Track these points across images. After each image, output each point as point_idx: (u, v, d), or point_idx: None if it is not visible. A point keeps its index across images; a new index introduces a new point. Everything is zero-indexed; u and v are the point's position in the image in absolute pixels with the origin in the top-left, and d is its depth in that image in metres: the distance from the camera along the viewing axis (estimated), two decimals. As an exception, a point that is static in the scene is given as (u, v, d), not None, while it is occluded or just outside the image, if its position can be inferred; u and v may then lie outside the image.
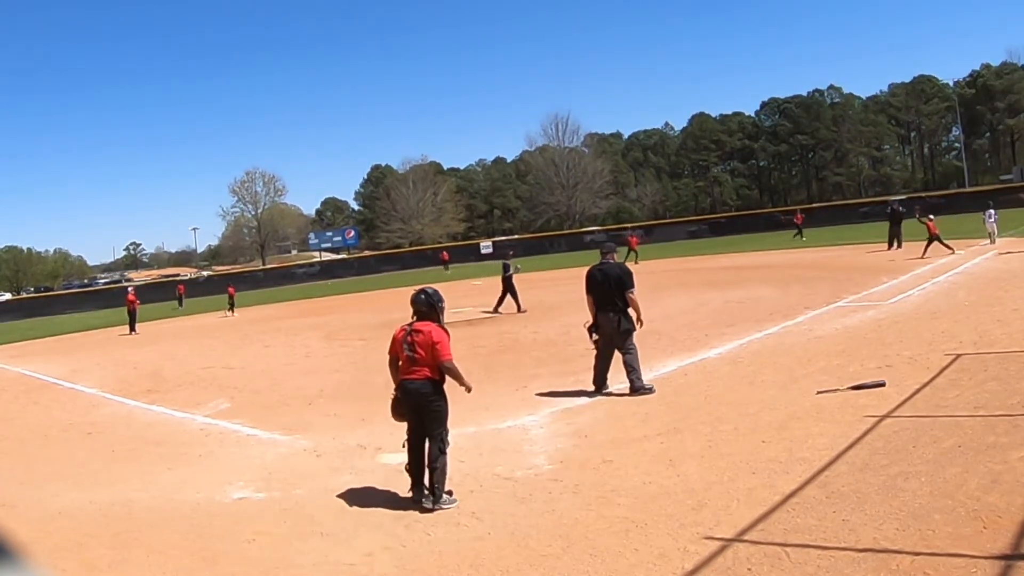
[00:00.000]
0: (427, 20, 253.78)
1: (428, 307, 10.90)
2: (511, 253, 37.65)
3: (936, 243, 39.04)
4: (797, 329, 20.97)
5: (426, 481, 10.28)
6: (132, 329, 46.45)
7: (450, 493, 10.25)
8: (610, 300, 15.98)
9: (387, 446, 13.18)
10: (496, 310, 34.00)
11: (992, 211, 42.84)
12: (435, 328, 10.72)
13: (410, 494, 10.40)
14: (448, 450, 10.50)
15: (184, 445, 15.30)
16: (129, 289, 51.51)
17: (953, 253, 37.56)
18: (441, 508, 10.01)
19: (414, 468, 10.47)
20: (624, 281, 15.98)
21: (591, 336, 16.35)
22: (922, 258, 37.04)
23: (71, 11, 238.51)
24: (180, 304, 70.82)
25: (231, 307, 55.91)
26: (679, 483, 9.84)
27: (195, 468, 13.43)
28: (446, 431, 10.55)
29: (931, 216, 41.53)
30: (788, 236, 72.69)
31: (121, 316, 53.81)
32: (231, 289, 58.70)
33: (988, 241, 41.19)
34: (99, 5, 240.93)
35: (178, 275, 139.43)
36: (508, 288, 34.19)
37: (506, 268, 34.50)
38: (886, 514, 8.05)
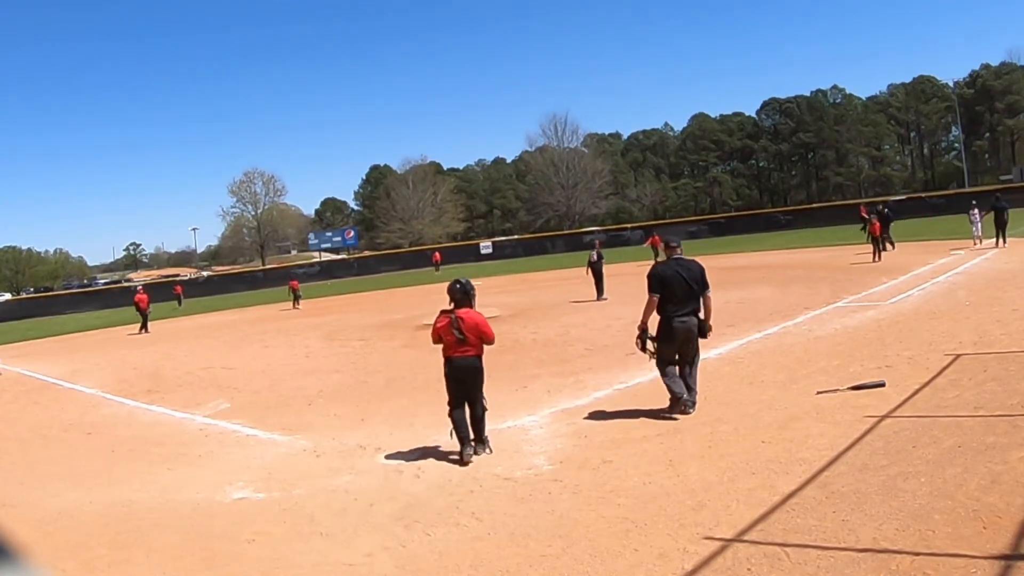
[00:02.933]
0: (426, 20, 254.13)
1: (463, 295, 12.79)
2: (597, 243, 38.69)
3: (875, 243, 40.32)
4: (797, 329, 20.99)
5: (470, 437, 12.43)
6: (143, 328, 46.21)
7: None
8: (691, 302, 13.72)
9: (387, 446, 13.23)
10: (600, 298, 35.34)
11: (977, 211, 42.61)
12: (476, 314, 12.78)
13: (459, 456, 12.20)
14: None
15: (184, 445, 15.34)
16: (138, 288, 51.19)
17: (876, 261, 38.60)
18: (487, 454, 12.35)
19: (460, 431, 12.36)
20: (706, 281, 13.97)
21: (644, 345, 13.99)
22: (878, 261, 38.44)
23: (71, 11, 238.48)
24: (179, 304, 71.43)
25: (296, 300, 56.09)
26: (679, 483, 9.85)
27: (195, 468, 13.47)
28: (484, 397, 12.74)
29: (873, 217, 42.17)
30: (787, 236, 72.88)
31: (122, 316, 53.87)
32: (294, 283, 58.92)
33: (974, 244, 40.90)
34: (99, 5, 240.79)
35: (178, 275, 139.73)
36: (596, 274, 36.07)
37: (598, 256, 36.84)
38: (886, 514, 8.05)
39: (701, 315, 13.86)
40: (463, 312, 12.58)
